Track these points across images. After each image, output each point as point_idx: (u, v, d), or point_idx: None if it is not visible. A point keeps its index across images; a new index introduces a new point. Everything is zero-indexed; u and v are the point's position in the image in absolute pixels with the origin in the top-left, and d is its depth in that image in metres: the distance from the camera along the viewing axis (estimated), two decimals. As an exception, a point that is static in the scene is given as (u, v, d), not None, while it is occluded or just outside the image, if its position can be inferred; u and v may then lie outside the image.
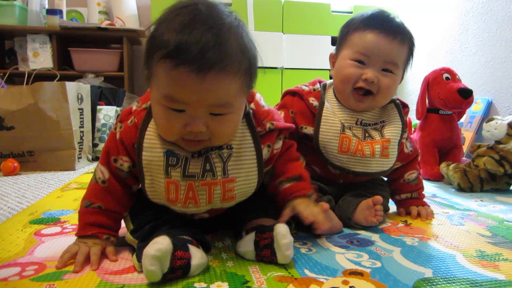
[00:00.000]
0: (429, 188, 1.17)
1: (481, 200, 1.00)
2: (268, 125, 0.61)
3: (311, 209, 0.62)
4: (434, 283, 0.50)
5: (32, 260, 0.58)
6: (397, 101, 0.82)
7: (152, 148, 0.56)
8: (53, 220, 0.78)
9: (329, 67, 0.83)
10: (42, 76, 1.95)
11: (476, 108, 1.65)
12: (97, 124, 1.83)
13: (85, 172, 1.43)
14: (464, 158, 1.42)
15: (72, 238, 0.68)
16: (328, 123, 0.77)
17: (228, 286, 0.50)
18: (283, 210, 0.64)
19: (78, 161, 1.58)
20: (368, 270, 0.54)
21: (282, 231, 0.55)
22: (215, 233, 0.71)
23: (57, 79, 1.71)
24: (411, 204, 0.84)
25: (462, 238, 0.69)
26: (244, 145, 0.60)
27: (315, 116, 0.78)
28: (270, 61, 2.24)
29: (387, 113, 0.81)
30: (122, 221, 0.65)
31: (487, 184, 1.10)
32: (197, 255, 0.52)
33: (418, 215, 0.82)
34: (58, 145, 1.51)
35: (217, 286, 0.50)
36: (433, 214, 0.83)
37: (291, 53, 2.23)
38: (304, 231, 0.71)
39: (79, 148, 1.60)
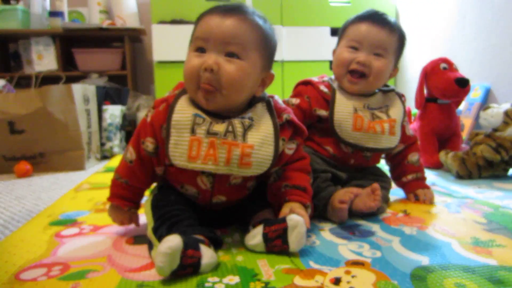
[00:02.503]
0: (429, 176, 1.20)
1: (479, 187, 1.03)
2: (285, 116, 0.68)
3: (306, 220, 0.64)
4: (431, 270, 0.54)
5: (57, 260, 0.62)
6: (396, 90, 0.92)
7: (183, 111, 0.64)
8: (71, 222, 0.83)
9: (329, 58, 0.92)
10: (48, 78, 2.00)
11: (475, 94, 1.67)
12: (104, 124, 1.87)
13: (95, 172, 1.47)
14: (463, 145, 1.45)
15: (91, 238, 0.73)
16: (342, 105, 0.85)
17: (239, 279, 0.54)
18: (281, 209, 0.67)
19: (87, 161, 1.63)
20: (369, 260, 0.58)
21: (298, 220, 0.59)
22: (224, 228, 0.76)
23: (63, 81, 1.75)
24: (418, 187, 0.91)
25: (458, 226, 0.73)
26: (264, 121, 0.66)
27: (327, 101, 0.87)
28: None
29: (389, 98, 0.90)
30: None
31: (485, 171, 1.13)
32: (207, 255, 0.56)
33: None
34: (68, 146, 1.55)
35: (229, 280, 0.54)
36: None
37: (291, 46, 2.24)
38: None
39: (88, 148, 1.65)
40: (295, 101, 0.89)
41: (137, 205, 0.74)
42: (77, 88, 1.60)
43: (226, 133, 0.62)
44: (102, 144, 1.87)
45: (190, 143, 0.62)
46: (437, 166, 1.32)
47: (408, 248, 0.63)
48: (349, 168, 0.90)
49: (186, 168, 0.63)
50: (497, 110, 1.14)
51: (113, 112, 1.92)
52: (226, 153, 0.62)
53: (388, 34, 0.83)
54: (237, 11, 0.63)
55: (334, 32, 2.23)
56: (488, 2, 1.59)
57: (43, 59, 2.10)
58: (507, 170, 1.15)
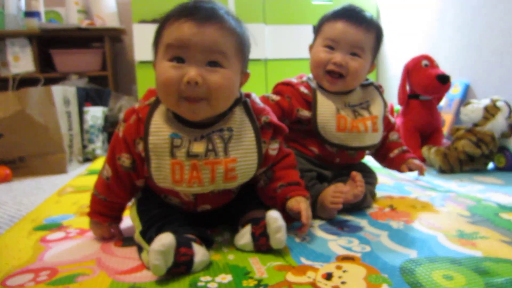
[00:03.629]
0: (413, 172, 1.23)
1: (461, 181, 1.07)
2: (263, 118, 0.67)
3: (309, 212, 0.66)
4: (419, 263, 0.55)
5: (43, 265, 0.61)
6: (375, 83, 0.92)
7: (158, 132, 0.61)
8: (56, 226, 0.81)
9: None
10: (25, 80, 1.94)
11: (455, 91, 1.72)
12: (85, 126, 1.83)
13: (77, 174, 1.44)
14: (444, 140, 1.49)
15: (78, 241, 0.72)
16: (324, 106, 0.85)
17: (232, 278, 0.54)
18: (287, 205, 0.67)
19: (69, 164, 1.59)
20: (358, 255, 0.59)
21: (273, 215, 0.60)
22: (214, 229, 0.75)
23: (41, 83, 1.70)
24: (408, 157, 0.93)
25: (443, 219, 0.75)
26: (244, 128, 0.65)
27: (307, 102, 0.86)
28: (253, 53, 2.24)
29: (369, 93, 0.90)
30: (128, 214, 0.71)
31: (466, 165, 1.16)
32: (200, 253, 0.56)
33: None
34: (48, 149, 1.51)
35: (221, 279, 0.54)
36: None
37: (274, 44, 2.25)
38: (298, 221, 0.75)
39: (69, 151, 1.61)
40: (275, 97, 0.87)
41: (118, 219, 0.73)
42: (57, 90, 1.57)
43: (206, 153, 0.61)
44: (84, 147, 1.83)
45: (172, 167, 0.60)
46: (420, 161, 1.35)
47: (396, 242, 0.64)
48: (334, 166, 0.90)
49: (172, 189, 0.63)
50: (477, 106, 1.17)
51: (95, 114, 1.88)
52: (210, 173, 0.61)
53: (365, 33, 0.83)
54: (215, 17, 0.59)
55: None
56: (467, 0, 1.63)
57: (20, 60, 2.04)
58: (487, 164, 1.19)
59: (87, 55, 2.18)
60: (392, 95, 2.20)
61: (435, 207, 0.84)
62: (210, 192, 0.65)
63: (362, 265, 0.56)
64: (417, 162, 0.92)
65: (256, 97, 0.71)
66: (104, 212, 0.70)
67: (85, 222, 0.83)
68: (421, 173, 0.91)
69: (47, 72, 2.12)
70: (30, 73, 2.04)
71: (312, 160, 0.88)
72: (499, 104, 1.14)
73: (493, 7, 1.48)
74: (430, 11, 1.87)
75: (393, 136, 0.95)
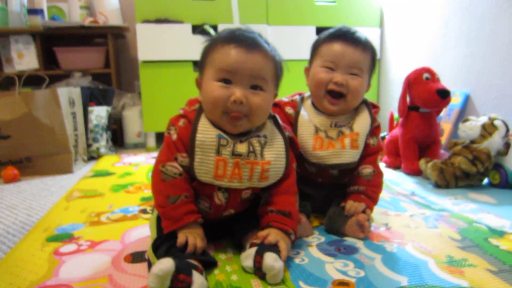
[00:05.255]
0: (409, 185, 1.27)
1: (455, 198, 1.11)
2: (287, 133, 0.77)
3: (282, 246, 0.68)
4: (409, 292, 0.60)
5: (60, 282, 0.65)
6: (367, 101, 0.92)
7: (206, 131, 0.69)
8: (67, 237, 0.85)
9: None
10: (30, 78, 1.96)
11: (455, 101, 1.74)
12: (90, 125, 1.86)
13: (83, 176, 1.48)
14: (442, 151, 1.53)
15: (89, 256, 0.76)
16: (303, 127, 0.88)
17: (235, 301, 0.58)
18: (261, 231, 0.71)
19: (75, 164, 1.63)
20: (353, 280, 0.64)
21: (269, 263, 0.62)
22: (217, 243, 0.80)
23: (46, 83, 1.72)
24: (351, 198, 0.86)
25: (435, 243, 0.79)
26: (275, 136, 0.75)
27: (291, 124, 0.89)
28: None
29: (357, 112, 0.91)
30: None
31: (461, 181, 1.20)
32: (198, 282, 0.59)
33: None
34: (55, 150, 1.55)
35: (226, 302, 0.58)
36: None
37: (277, 45, 2.25)
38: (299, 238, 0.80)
39: (75, 151, 1.65)
40: None
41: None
42: (62, 92, 1.59)
43: (248, 154, 0.70)
44: (89, 145, 1.86)
45: (216, 163, 0.68)
46: (417, 173, 1.39)
47: (389, 267, 0.68)
48: (320, 186, 0.93)
49: (212, 183, 0.69)
50: (475, 124, 1.20)
51: (99, 113, 1.91)
52: (249, 171, 0.70)
53: (362, 53, 0.85)
54: (259, 46, 0.70)
55: (319, 31, 2.26)
56: (472, 11, 1.65)
57: (24, 58, 2.05)
58: (482, 180, 1.23)
59: (90, 53, 2.19)
60: (391, 99, 2.23)
61: (428, 228, 0.88)
62: (239, 198, 0.74)
63: (356, 291, 0.60)
64: (358, 206, 0.84)
65: (278, 117, 0.80)
66: (193, 209, 0.70)
67: (94, 233, 0.88)
68: (362, 232, 0.81)
69: (51, 69, 2.14)
70: (34, 70, 2.06)
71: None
72: (497, 123, 1.18)
73: (498, 19, 1.50)
74: (434, 18, 1.88)
75: (364, 170, 0.88)
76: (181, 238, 0.66)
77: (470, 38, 1.66)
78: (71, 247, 0.80)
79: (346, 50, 0.84)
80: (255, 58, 0.69)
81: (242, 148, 0.70)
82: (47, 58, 2.16)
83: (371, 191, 0.88)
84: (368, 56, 0.87)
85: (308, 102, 0.93)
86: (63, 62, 2.14)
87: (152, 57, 2.02)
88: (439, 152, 1.47)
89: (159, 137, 2.25)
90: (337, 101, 0.86)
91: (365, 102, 0.91)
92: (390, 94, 2.21)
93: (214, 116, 0.70)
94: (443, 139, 1.67)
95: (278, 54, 0.74)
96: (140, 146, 2.20)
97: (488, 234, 0.83)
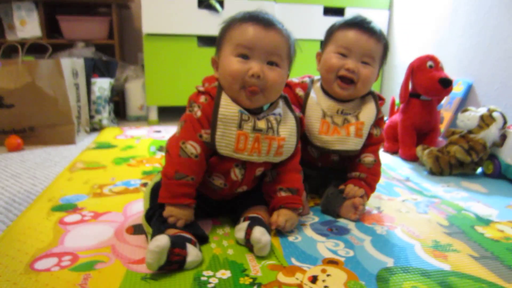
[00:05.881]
0: (405, 170, 1.30)
1: (448, 186, 1.14)
2: (297, 113, 0.81)
3: (290, 223, 0.76)
4: (393, 272, 0.63)
5: (65, 250, 0.69)
6: (374, 93, 0.94)
7: (228, 106, 0.72)
8: (71, 207, 0.89)
9: (321, 38, 0.96)
10: (33, 46, 1.95)
11: (457, 89, 1.75)
12: (92, 97, 1.88)
13: (86, 147, 1.51)
14: (440, 138, 1.55)
15: (93, 226, 0.79)
16: (311, 109, 0.90)
17: (230, 274, 0.62)
18: (272, 215, 0.78)
19: (77, 135, 1.65)
20: (342, 259, 0.67)
21: (256, 236, 0.66)
22: (216, 218, 0.83)
23: (49, 52, 1.72)
24: (355, 183, 0.89)
25: (423, 228, 0.83)
26: (287, 115, 0.79)
27: (300, 105, 0.91)
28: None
29: (364, 102, 0.93)
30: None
31: (455, 169, 1.23)
32: (193, 253, 0.63)
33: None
34: (57, 121, 1.57)
35: (221, 274, 0.62)
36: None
37: (284, 23, 2.23)
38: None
39: (77, 122, 1.67)
40: None
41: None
42: (66, 63, 1.60)
43: (267, 130, 0.73)
44: (91, 117, 1.88)
45: (238, 137, 0.71)
46: (414, 159, 1.41)
47: (377, 248, 0.72)
48: (318, 168, 0.97)
49: (231, 157, 0.72)
50: (474, 114, 1.22)
51: (102, 85, 1.92)
52: (267, 146, 0.74)
53: (376, 43, 0.87)
54: (275, 25, 0.73)
55: (326, 11, 2.24)
56: (481, 0, 1.63)
57: (26, 25, 2.03)
58: (475, 170, 1.25)
59: (93, 22, 2.17)
60: (395, 83, 2.23)
61: (418, 213, 0.91)
62: (253, 174, 0.77)
63: (344, 270, 0.64)
64: (357, 190, 0.87)
65: (288, 97, 0.83)
66: (191, 192, 0.71)
67: (97, 204, 0.91)
68: (355, 214, 0.85)
69: (53, 37, 2.12)
70: (37, 38, 2.05)
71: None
72: (495, 114, 1.19)
73: (506, 9, 1.48)
74: (444, 4, 1.86)
75: (366, 158, 0.91)
76: (166, 212, 0.70)
77: (477, 27, 1.65)
78: (75, 217, 0.83)
79: (361, 38, 0.86)
80: (272, 35, 0.71)
81: (262, 124, 0.73)
82: (50, 26, 2.14)
83: (371, 179, 0.91)
84: (381, 47, 0.89)
85: (317, 85, 0.94)
86: (66, 31, 2.12)
87: (157, 30, 2.00)
88: (437, 139, 1.49)
89: (162, 111, 2.26)
90: (348, 86, 0.88)
91: (372, 94, 0.93)
92: (394, 79, 2.20)
93: (232, 90, 0.72)
94: (443, 127, 1.68)
95: (292, 36, 0.77)
96: (142, 119, 2.22)
97: (475, 222, 0.87)
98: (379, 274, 0.63)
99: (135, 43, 2.49)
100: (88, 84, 1.84)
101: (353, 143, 0.89)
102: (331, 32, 0.92)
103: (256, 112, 0.75)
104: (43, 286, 0.58)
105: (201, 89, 0.75)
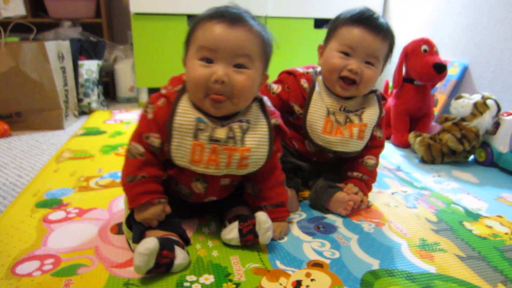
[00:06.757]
0: (396, 158, 1.29)
1: (439, 176, 1.13)
2: (273, 121, 0.72)
3: (279, 231, 0.75)
4: (378, 276, 0.63)
5: (48, 252, 0.68)
6: (378, 92, 0.91)
7: (185, 114, 0.66)
8: (56, 203, 0.87)
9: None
10: (17, 25, 1.87)
11: (453, 71, 1.71)
12: (80, 80, 1.83)
13: (74, 133, 1.48)
14: (433, 123, 1.53)
15: (77, 224, 0.78)
16: (316, 106, 0.87)
17: (214, 279, 0.62)
18: None
19: (66, 120, 1.62)
20: (328, 261, 0.67)
21: (263, 217, 0.69)
22: (202, 217, 0.82)
23: (33, 33, 1.66)
24: (355, 183, 0.89)
25: (411, 224, 0.82)
26: (259, 122, 0.71)
27: (304, 98, 0.88)
28: (252, 7, 2.16)
29: (368, 101, 0.90)
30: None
31: (447, 157, 1.22)
32: (180, 256, 0.63)
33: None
34: (45, 106, 1.53)
35: (205, 279, 0.62)
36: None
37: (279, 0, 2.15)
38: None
39: (65, 107, 1.63)
40: (277, 89, 0.90)
41: (164, 196, 0.70)
42: (51, 46, 1.54)
43: (227, 139, 0.66)
44: (80, 100, 1.84)
45: (193, 148, 0.65)
46: (406, 145, 1.40)
47: (363, 249, 0.72)
48: (311, 161, 0.95)
49: (188, 168, 0.67)
50: (467, 101, 1.19)
51: (90, 67, 1.86)
52: (227, 158, 0.67)
53: (381, 42, 0.83)
54: (242, 21, 0.64)
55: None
56: (479, -22, 1.56)
57: (10, 3, 1.95)
58: (467, 158, 1.24)
59: (80, 0, 2.08)
60: (389, 64, 2.18)
61: (407, 208, 0.91)
62: (218, 185, 0.73)
63: (328, 273, 0.64)
64: (355, 195, 0.87)
65: (267, 100, 0.75)
66: (149, 189, 0.67)
67: (82, 199, 0.90)
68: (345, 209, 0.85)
69: (39, 16, 2.04)
70: (21, 17, 1.97)
71: (292, 152, 0.95)
72: (489, 102, 1.17)
73: (505, -11, 1.43)
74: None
75: (369, 160, 0.91)
76: (136, 217, 0.68)
77: (474, 8, 1.59)
78: (59, 214, 0.82)
79: (366, 37, 0.81)
80: (237, 34, 0.63)
81: (221, 133, 0.66)
82: (35, 5, 2.05)
83: (371, 181, 0.92)
84: (386, 45, 0.85)
85: (320, 78, 0.90)
86: (51, 10, 2.03)
87: (145, 9, 1.92)
88: (430, 125, 1.47)
89: (152, 92, 2.21)
90: (349, 87, 0.84)
91: (376, 94, 0.90)
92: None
93: (196, 98, 0.66)
94: (437, 110, 1.66)
95: (266, 31, 0.69)
96: (133, 101, 2.17)
97: (464, 217, 0.87)
98: (363, 278, 0.62)
99: (124, 21, 2.40)
100: (75, 67, 1.79)
101: (355, 145, 0.87)
102: (335, 26, 0.86)
103: (224, 118, 0.68)
104: (24, 294, 0.57)
105: (163, 92, 0.69)
